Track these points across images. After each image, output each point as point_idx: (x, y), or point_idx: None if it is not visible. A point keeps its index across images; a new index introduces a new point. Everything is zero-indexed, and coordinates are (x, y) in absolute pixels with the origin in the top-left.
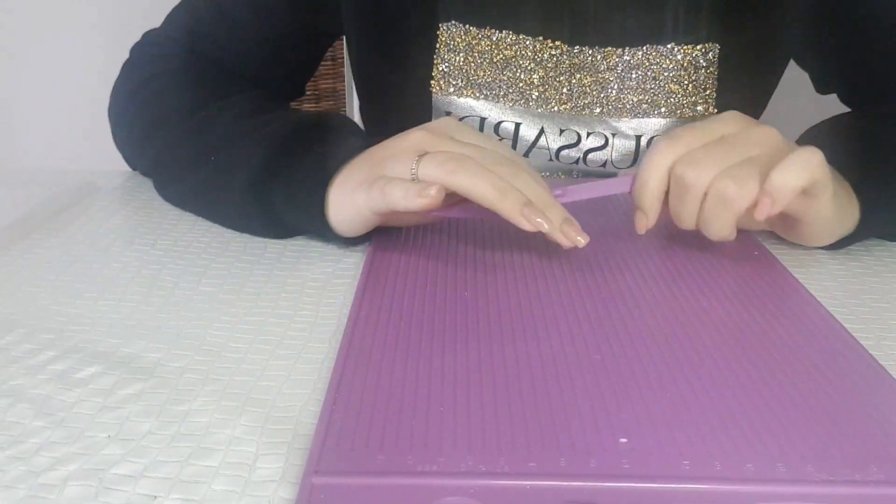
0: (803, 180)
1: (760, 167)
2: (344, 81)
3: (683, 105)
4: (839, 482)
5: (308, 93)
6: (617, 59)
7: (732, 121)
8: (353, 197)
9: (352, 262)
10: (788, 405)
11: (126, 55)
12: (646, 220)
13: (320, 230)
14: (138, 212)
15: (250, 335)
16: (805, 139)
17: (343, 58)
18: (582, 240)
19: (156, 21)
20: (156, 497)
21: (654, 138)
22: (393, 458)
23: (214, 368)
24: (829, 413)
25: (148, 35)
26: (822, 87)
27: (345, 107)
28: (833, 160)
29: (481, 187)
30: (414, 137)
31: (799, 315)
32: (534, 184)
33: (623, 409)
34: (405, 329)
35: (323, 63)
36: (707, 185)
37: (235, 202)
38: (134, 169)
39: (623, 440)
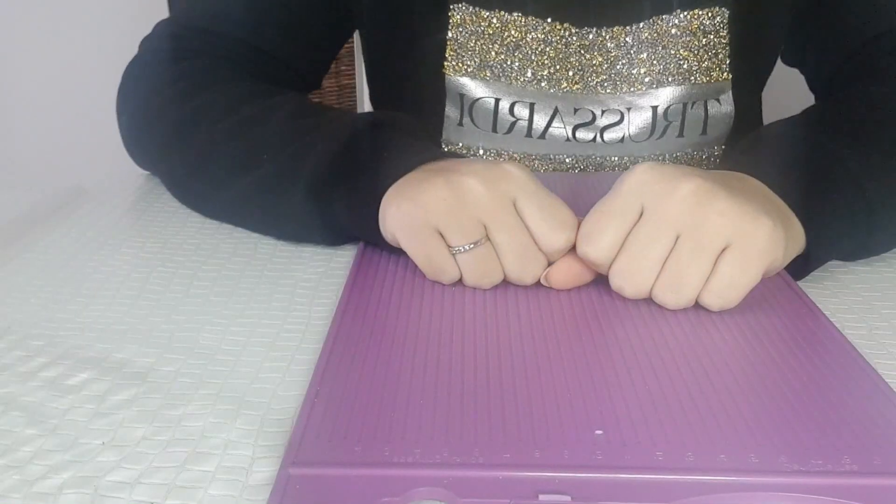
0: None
1: (702, 259)
2: (349, 77)
3: (696, 71)
4: (811, 472)
5: None
6: (625, 37)
7: (650, 190)
8: (396, 229)
9: (343, 262)
10: (763, 395)
11: (122, 57)
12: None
13: (376, 241)
14: (127, 214)
15: (243, 337)
16: (741, 153)
17: (345, 55)
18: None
19: (149, 20)
20: (152, 503)
21: (671, 108)
22: (370, 449)
23: (208, 372)
24: (804, 403)
25: (160, 26)
26: (788, 56)
27: (354, 102)
28: (774, 180)
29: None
30: (478, 207)
31: (780, 304)
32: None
33: (601, 401)
34: (390, 323)
35: None
36: (646, 294)
37: (295, 207)
38: (151, 172)
39: (599, 432)
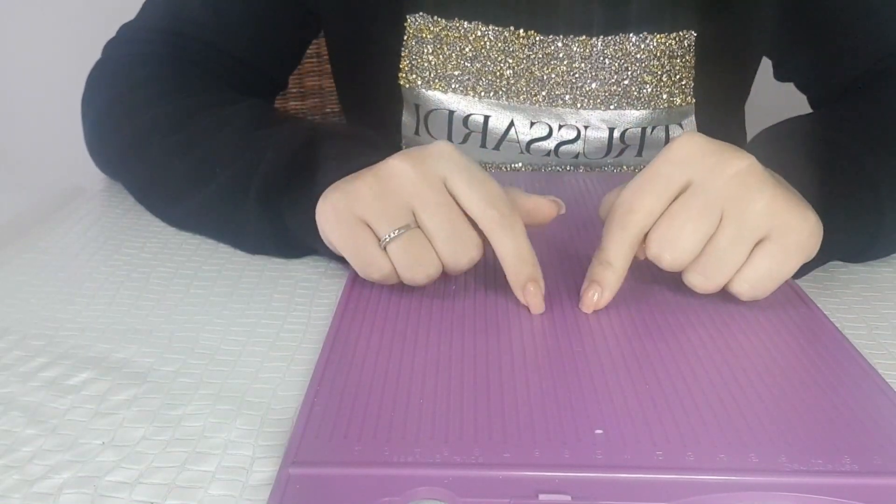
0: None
1: (741, 245)
2: (331, 79)
3: (657, 96)
4: (811, 472)
5: (293, 90)
6: (591, 49)
7: (700, 164)
8: (324, 224)
9: (343, 262)
10: (763, 395)
11: None
12: (599, 296)
13: (323, 249)
14: (126, 214)
15: (243, 337)
16: (757, 147)
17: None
18: (536, 306)
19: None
20: (152, 503)
21: (628, 131)
22: (370, 449)
23: (208, 372)
24: (804, 403)
25: (124, 30)
26: (781, 74)
27: (334, 104)
28: (790, 174)
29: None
30: (405, 189)
31: (780, 304)
32: (507, 242)
33: (601, 400)
34: (390, 323)
35: (308, 60)
36: (682, 268)
37: (247, 219)
38: (114, 179)
39: (599, 431)
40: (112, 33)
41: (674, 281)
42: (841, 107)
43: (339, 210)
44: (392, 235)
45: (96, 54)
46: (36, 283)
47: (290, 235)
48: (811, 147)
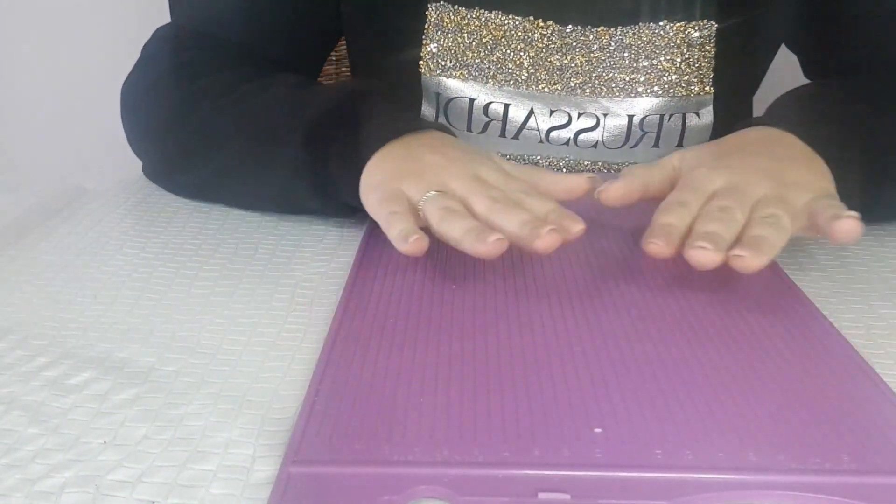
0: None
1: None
2: (332, 78)
3: (676, 84)
4: (810, 471)
5: None
6: (609, 39)
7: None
8: (370, 193)
9: (344, 262)
10: (762, 394)
11: (114, 57)
12: (615, 190)
13: (354, 200)
14: (128, 215)
15: (244, 337)
16: (777, 111)
17: (339, 58)
18: (575, 228)
19: (148, 21)
20: (154, 502)
21: (647, 118)
22: (370, 447)
23: (209, 371)
24: (802, 402)
25: (161, 30)
26: (811, 71)
27: None
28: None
29: (454, 235)
30: (439, 169)
31: (778, 303)
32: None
33: (600, 399)
34: (391, 321)
35: None
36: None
37: (289, 156)
38: (147, 165)
39: (598, 430)
40: (111, 33)
41: (672, 281)
42: (859, 78)
43: (383, 181)
44: (428, 195)
45: (97, 55)
46: (38, 284)
47: (329, 179)
48: (823, 108)
